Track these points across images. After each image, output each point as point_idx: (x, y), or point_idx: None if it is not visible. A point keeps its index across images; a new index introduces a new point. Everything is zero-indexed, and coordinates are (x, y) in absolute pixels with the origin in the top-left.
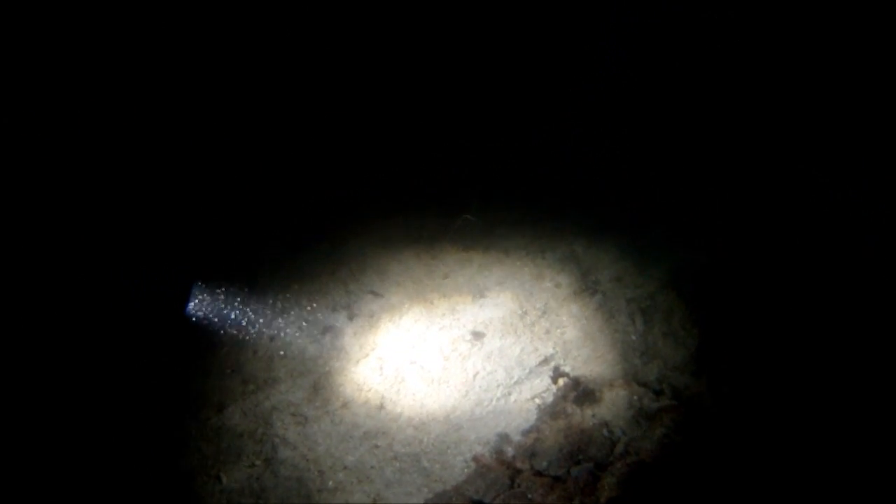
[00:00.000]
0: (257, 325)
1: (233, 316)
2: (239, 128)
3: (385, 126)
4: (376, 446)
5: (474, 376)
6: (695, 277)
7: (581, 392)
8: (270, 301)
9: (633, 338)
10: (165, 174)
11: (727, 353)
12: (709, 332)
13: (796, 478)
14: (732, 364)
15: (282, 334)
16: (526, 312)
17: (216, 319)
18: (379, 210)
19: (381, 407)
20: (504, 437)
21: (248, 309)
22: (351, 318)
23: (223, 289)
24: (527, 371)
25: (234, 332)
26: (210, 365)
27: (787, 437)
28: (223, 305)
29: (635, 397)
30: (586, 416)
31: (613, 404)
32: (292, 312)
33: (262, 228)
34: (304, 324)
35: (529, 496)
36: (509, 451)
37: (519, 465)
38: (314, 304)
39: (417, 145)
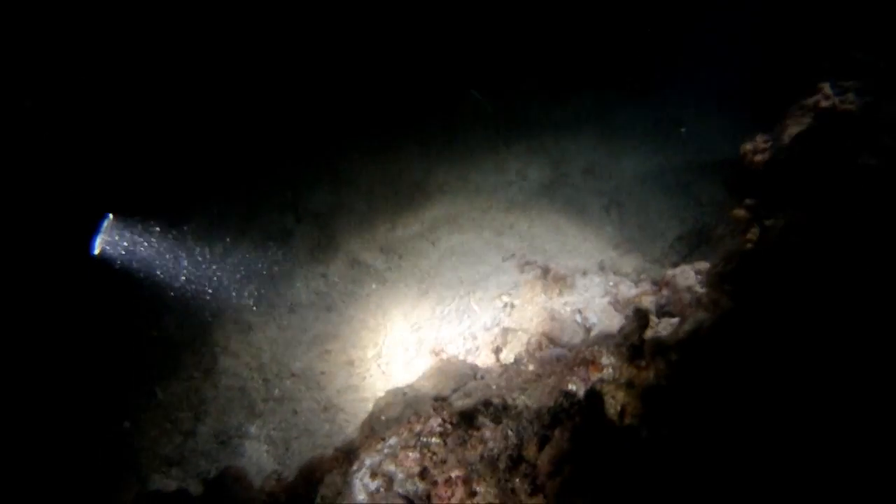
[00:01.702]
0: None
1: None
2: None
3: None
4: (327, 351)
5: (433, 274)
6: (674, 170)
7: (550, 280)
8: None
9: (608, 230)
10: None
11: (706, 247)
12: (688, 225)
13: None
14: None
15: (222, 239)
16: (490, 207)
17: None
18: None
19: (331, 309)
20: (470, 335)
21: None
22: (299, 220)
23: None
24: (492, 267)
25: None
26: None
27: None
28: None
29: (611, 283)
30: (557, 304)
31: (587, 291)
32: (234, 215)
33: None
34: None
35: (493, 386)
36: (472, 346)
37: (482, 359)
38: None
39: None
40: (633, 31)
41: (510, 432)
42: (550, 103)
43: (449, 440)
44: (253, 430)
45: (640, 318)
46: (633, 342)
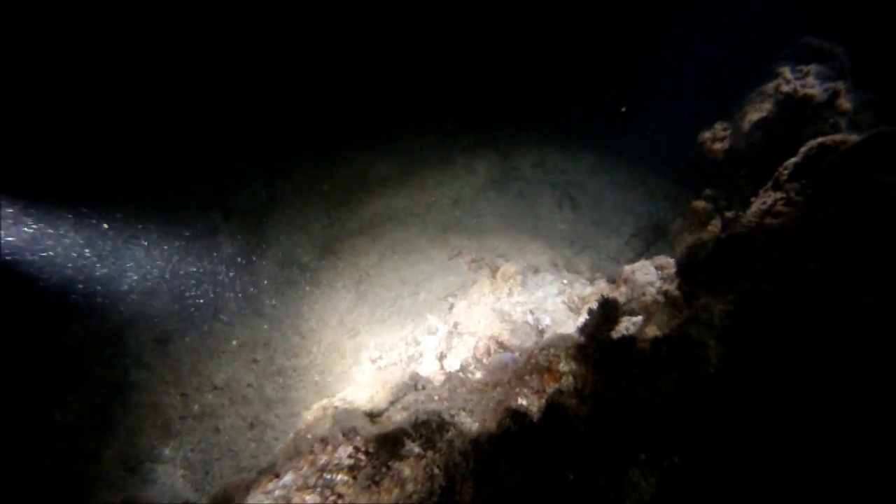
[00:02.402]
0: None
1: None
2: None
3: None
4: (255, 360)
5: (372, 275)
6: (629, 164)
7: (499, 279)
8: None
9: (561, 226)
10: None
11: (663, 242)
12: (643, 220)
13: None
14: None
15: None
16: (435, 202)
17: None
18: None
19: (260, 314)
20: (412, 340)
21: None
22: (227, 217)
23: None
24: (437, 266)
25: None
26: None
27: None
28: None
29: (564, 281)
30: (507, 305)
31: (540, 290)
32: (154, 209)
33: None
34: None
35: (435, 397)
36: (415, 352)
37: (425, 367)
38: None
39: None
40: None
41: (436, 470)
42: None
43: (360, 476)
44: (167, 452)
45: (607, 310)
46: (601, 341)
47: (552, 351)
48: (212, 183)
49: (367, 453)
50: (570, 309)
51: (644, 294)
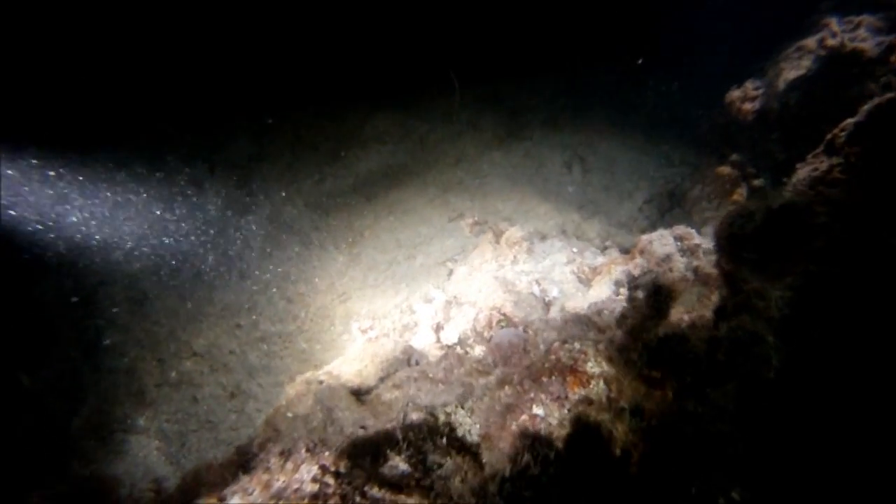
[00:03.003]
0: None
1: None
2: None
3: None
4: (238, 325)
5: (366, 236)
6: (645, 126)
7: (504, 245)
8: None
9: (570, 189)
10: None
11: (679, 210)
12: (658, 186)
13: None
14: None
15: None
16: (436, 160)
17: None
18: None
19: (245, 276)
20: (407, 308)
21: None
22: (212, 170)
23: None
24: (436, 228)
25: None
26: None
27: None
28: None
29: (574, 250)
30: (511, 273)
31: (547, 258)
32: (136, 161)
33: None
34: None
35: (430, 374)
36: (410, 321)
37: (420, 338)
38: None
39: None
40: None
41: None
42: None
43: None
44: (142, 421)
45: (658, 301)
46: (647, 341)
47: (577, 346)
48: (197, 133)
49: (336, 475)
50: (580, 280)
51: (671, 269)
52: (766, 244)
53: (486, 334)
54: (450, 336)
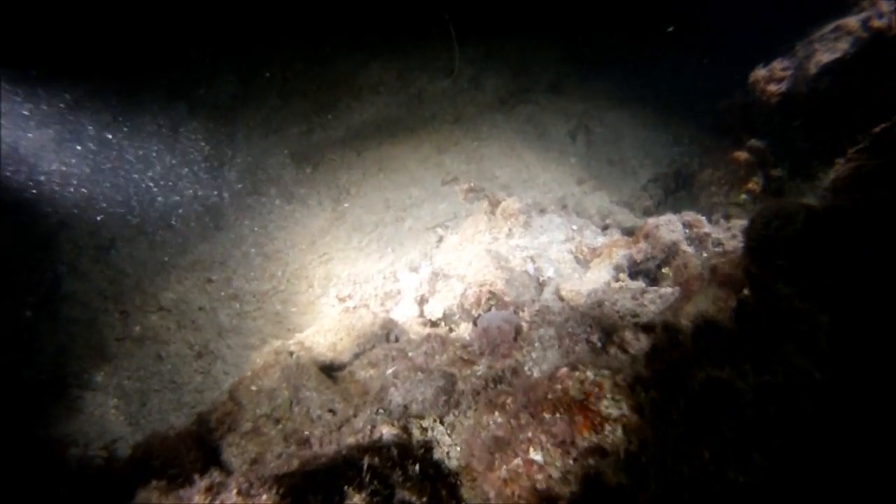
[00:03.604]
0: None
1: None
2: None
3: None
4: (210, 280)
5: (353, 194)
6: (657, 99)
7: (499, 216)
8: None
9: (572, 160)
10: None
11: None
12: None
13: None
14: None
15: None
16: (434, 117)
17: None
18: None
19: (220, 227)
20: (391, 274)
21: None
22: (192, 111)
23: None
24: (428, 191)
25: None
26: None
27: None
28: None
29: (574, 227)
30: (505, 247)
31: (544, 234)
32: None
33: None
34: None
35: (409, 353)
36: (393, 289)
37: (402, 310)
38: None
39: None
40: None
41: None
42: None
43: None
44: (99, 378)
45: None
46: (686, 389)
47: (590, 375)
48: (178, 69)
49: None
50: (578, 260)
51: (686, 265)
52: (806, 253)
53: (473, 312)
54: (434, 310)
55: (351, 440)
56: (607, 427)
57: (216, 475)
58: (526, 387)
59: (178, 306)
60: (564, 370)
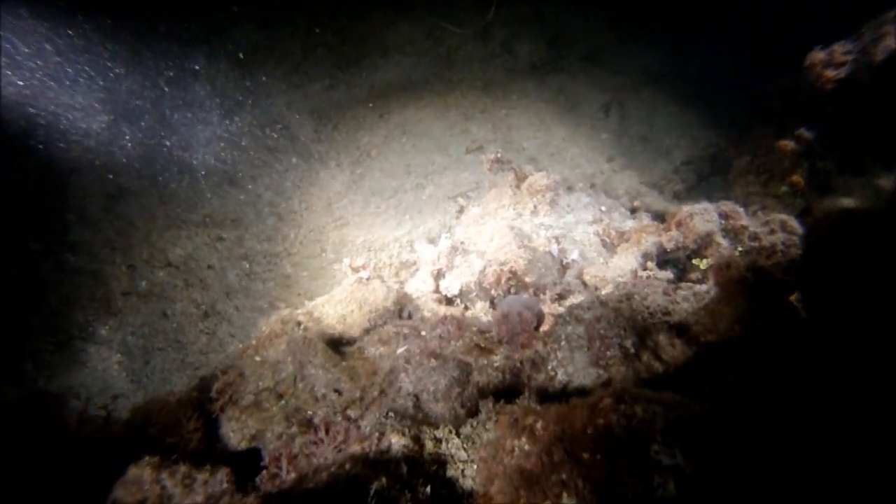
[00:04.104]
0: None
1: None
2: None
3: None
4: (221, 238)
5: (374, 156)
6: (699, 76)
7: (524, 191)
8: None
9: (603, 136)
10: None
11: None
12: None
13: None
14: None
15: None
16: (462, 81)
17: None
18: None
19: (234, 183)
20: (407, 243)
21: None
22: (211, 58)
23: None
24: (451, 158)
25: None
26: None
27: None
28: None
29: (602, 208)
30: (528, 225)
31: (571, 214)
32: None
33: None
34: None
35: (423, 332)
36: (408, 259)
37: (417, 283)
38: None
39: None
40: None
41: None
42: None
43: None
44: (103, 331)
45: None
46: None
47: (639, 412)
48: (199, 13)
49: None
50: (604, 244)
51: (729, 266)
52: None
53: (492, 292)
54: (451, 286)
55: (356, 448)
56: (656, 479)
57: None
58: (560, 414)
59: (186, 263)
60: (608, 401)
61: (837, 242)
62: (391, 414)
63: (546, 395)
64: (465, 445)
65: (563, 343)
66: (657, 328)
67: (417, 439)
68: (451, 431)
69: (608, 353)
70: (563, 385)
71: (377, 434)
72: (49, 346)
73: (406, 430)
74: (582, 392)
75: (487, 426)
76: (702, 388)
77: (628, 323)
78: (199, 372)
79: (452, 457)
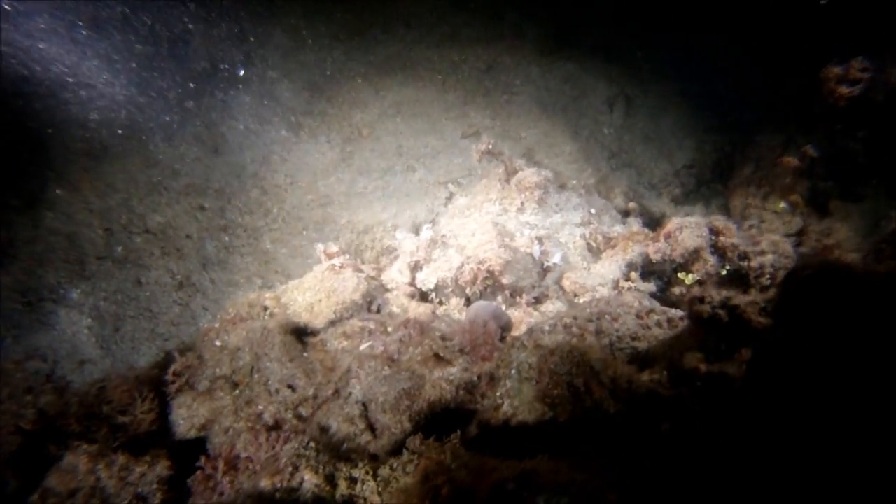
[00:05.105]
0: None
1: None
2: None
3: None
4: (202, 208)
5: (366, 134)
6: (712, 76)
7: (513, 186)
8: None
9: (606, 131)
10: None
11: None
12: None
13: None
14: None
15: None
16: (465, 62)
17: None
18: None
19: (219, 151)
20: (391, 228)
21: None
22: (208, 18)
23: None
24: (446, 142)
25: None
26: None
27: None
28: None
29: (592, 210)
30: (513, 223)
31: (559, 213)
32: None
33: None
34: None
35: (389, 327)
36: (388, 246)
37: (393, 273)
38: None
39: None
40: None
41: None
42: None
43: None
44: (75, 295)
45: None
46: None
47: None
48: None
49: None
50: (589, 248)
51: (703, 299)
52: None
53: (467, 290)
54: (427, 280)
55: (266, 483)
56: None
57: None
58: (473, 473)
59: (164, 231)
60: (512, 486)
61: (809, 302)
62: (311, 444)
63: (488, 428)
64: (379, 489)
65: (513, 372)
66: (616, 364)
67: (331, 479)
68: (367, 473)
69: (555, 391)
70: (507, 419)
71: (290, 468)
72: (18, 306)
73: (320, 468)
74: (524, 429)
75: (408, 469)
76: (641, 440)
77: (582, 361)
78: (168, 344)
79: (365, 500)
